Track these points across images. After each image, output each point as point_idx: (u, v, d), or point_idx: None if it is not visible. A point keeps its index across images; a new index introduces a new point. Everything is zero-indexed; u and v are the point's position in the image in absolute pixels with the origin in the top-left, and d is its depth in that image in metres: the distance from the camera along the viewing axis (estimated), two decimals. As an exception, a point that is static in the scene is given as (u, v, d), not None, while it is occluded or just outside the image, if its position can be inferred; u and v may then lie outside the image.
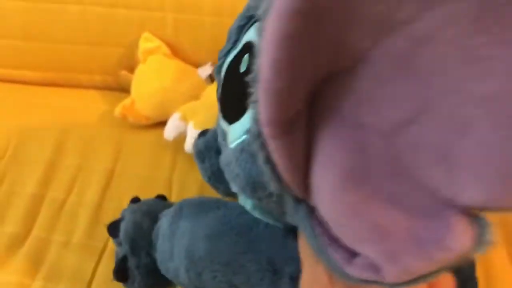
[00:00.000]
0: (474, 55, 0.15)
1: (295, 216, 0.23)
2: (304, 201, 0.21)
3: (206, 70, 0.66)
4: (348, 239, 0.19)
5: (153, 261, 0.41)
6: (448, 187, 0.16)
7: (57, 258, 0.52)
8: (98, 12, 0.65)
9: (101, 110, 0.69)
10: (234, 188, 0.28)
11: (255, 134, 0.19)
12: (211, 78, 0.67)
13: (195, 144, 0.43)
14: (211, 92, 0.64)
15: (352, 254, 0.19)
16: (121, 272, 0.42)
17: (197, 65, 0.67)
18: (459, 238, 0.16)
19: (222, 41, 0.65)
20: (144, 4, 0.64)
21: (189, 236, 0.36)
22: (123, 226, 0.43)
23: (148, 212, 0.43)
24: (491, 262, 0.50)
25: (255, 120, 0.18)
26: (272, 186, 0.20)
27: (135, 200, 0.48)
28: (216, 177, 0.44)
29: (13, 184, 0.59)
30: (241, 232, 0.35)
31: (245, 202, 0.33)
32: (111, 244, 0.53)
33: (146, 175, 0.61)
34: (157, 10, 0.64)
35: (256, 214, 0.33)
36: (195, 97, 0.64)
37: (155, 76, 0.64)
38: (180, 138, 0.61)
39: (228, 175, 0.28)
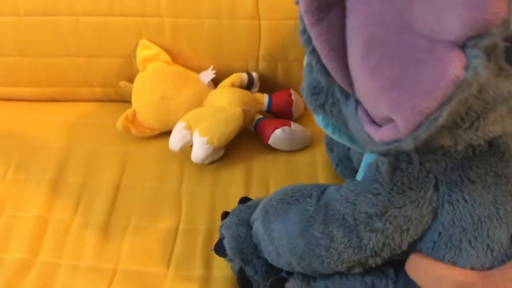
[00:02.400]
0: None
1: (346, 109, 0.28)
2: (351, 95, 0.27)
3: (208, 75, 0.63)
4: (373, 104, 0.24)
5: (266, 261, 0.44)
6: (437, 28, 0.19)
7: (67, 283, 0.49)
8: (92, 22, 0.62)
9: (104, 123, 0.66)
10: (310, 107, 0.35)
11: (302, 31, 0.25)
12: (213, 83, 0.64)
13: (325, 136, 0.48)
14: (215, 98, 0.61)
15: (377, 127, 0.25)
16: (244, 282, 0.45)
17: (198, 70, 0.65)
18: (450, 66, 0.19)
19: (222, 43, 0.64)
20: (140, 10, 0.62)
21: (286, 237, 0.40)
22: (227, 245, 0.45)
23: (240, 222, 0.46)
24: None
25: (300, 19, 0.23)
26: (322, 80, 0.27)
27: (225, 215, 0.49)
28: (343, 164, 0.55)
29: (15, 207, 0.56)
30: (322, 219, 0.38)
31: (319, 121, 0.37)
32: (122, 264, 0.51)
33: (153, 188, 0.58)
34: (154, 16, 0.62)
35: (329, 132, 0.37)
36: (199, 104, 0.61)
37: (155, 85, 0.61)
38: (186, 147, 0.58)
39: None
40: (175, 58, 0.64)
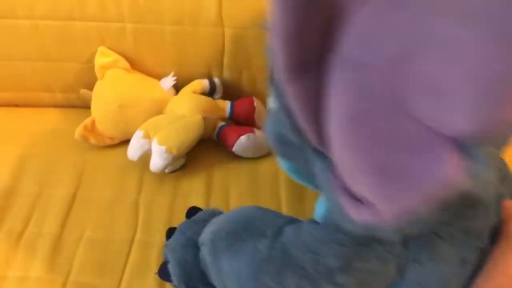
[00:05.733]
0: None
1: (315, 168, 0.26)
2: (323, 155, 0.23)
3: (168, 81, 0.62)
4: (353, 181, 0.21)
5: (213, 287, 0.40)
6: (438, 118, 0.16)
7: (13, 296, 0.48)
8: (52, 26, 0.61)
9: (63, 130, 0.65)
10: (276, 152, 0.32)
11: (274, 82, 0.23)
12: (176, 90, 0.63)
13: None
14: (175, 104, 0.60)
15: (358, 201, 0.21)
16: None
17: (161, 77, 0.63)
18: (448, 168, 0.16)
19: (185, 50, 0.63)
20: (101, 15, 0.60)
21: (236, 278, 0.36)
22: (171, 270, 0.41)
23: (187, 243, 0.42)
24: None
25: (273, 71, 0.21)
26: (292, 136, 0.24)
27: (170, 231, 0.45)
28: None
29: (-34, 216, 0.55)
30: (277, 266, 0.34)
31: (282, 164, 0.34)
32: (73, 276, 0.50)
33: (110, 198, 0.57)
34: (116, 21, 0.60)
35: (292, 175, 0.34)
36: (159, 111, 0.60)
37: (113, 93, 0.60)
38: (146, 157, 0.57)
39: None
40: (137, 64, 0.63)
